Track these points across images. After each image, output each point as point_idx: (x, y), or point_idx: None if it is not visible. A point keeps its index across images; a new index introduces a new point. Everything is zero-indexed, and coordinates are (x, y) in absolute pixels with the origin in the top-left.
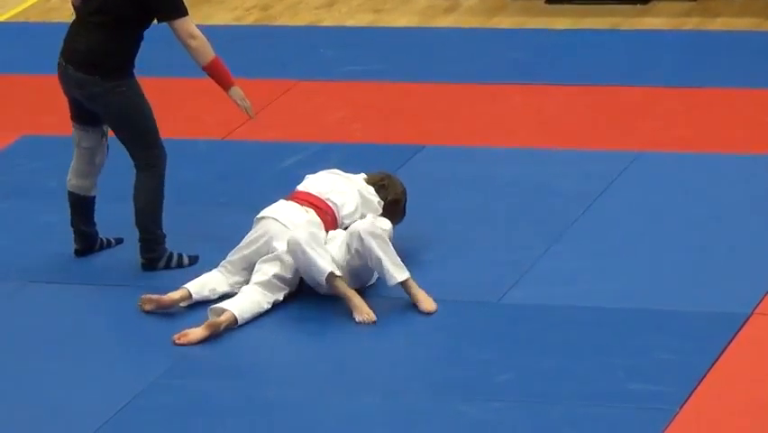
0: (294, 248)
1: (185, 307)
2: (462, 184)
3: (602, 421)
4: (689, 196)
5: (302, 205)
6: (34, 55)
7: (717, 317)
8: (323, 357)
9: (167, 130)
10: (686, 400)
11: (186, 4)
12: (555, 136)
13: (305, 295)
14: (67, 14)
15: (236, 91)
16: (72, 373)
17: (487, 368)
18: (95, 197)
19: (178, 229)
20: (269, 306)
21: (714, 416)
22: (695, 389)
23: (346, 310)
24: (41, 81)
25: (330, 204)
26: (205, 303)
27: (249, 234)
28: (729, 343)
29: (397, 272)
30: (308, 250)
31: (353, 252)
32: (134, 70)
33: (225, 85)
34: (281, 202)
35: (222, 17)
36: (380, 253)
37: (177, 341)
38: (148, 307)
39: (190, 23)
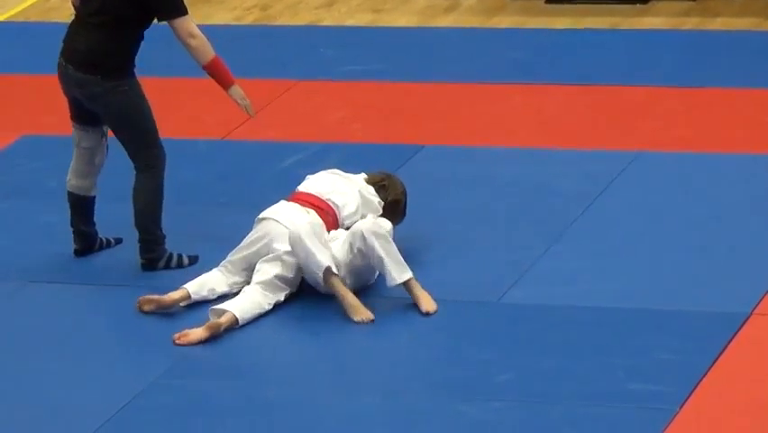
0: (295, 241)
1: (184, 306)
2: (462, 184)
3: (602, 421)
4: (689, 196)
5: (303, 206)
6: (34, 55)
7: (717, 317)
8: (323, 357)
9: (166, 130)
10: (686, 400)
11: (185, 3)
12: (555, 136)
13: (305, 295)
14: (67, 14)
15: (236, 90)
16: (72, 373)
17: (487, 368)
18: (94, 197)
19: (178, 229)
20: (271, 306)
21: (714, 416)
22: (695, 389)
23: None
24: (41, 81)
25: (331, 204)
26: (205, 303)
27: (249, 234)
28: (729, 343)
29: (399, 273)
30: (309, 243)
31: (356, 251)
32: (134, 70)
33: (225, 84)
34: (282, 203)
35: (221, 17)
36: (383, 253)
37: (177, 341)
38: (147, 307)
39: (190, 23)
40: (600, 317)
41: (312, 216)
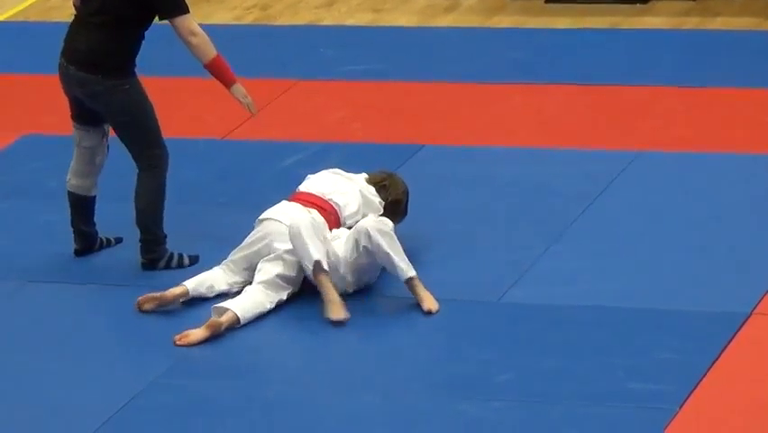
0: (294, 234)
1: (182, 303)
2: (462, 184)
3: (602, 421)
4: (689, 196)
5: (305, 206)
6: (34, 55)
7: (717, 317)
8: (323, 357)
9: (167, 129)
10: (686, 400)
11: (187, 1)
12: (555, 136)
13: (306, 294)
14: (67, 14)
15: (238, 88)
16: (72, 372)
17: (487, 368)
18: (95, 197)
19: (179, 229)
20: (272, 306)
21: (714, 415)
22: (695, 388)
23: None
24: (41, 81)
25: (333, 204)
26: (205, 303)
27: (251, 234)
28: (729, 342)
29: (407, 268)
30: (305, 236)
31: (361, 249)
32: (135, 70)
33: (227, 82)
34: (284, 203)
35: (221, 16)
36: (389, 250)
37: (177, 342)
38: (147, 306)
39: (191, 21)
40: (600, 316)
41: (314, 215)
